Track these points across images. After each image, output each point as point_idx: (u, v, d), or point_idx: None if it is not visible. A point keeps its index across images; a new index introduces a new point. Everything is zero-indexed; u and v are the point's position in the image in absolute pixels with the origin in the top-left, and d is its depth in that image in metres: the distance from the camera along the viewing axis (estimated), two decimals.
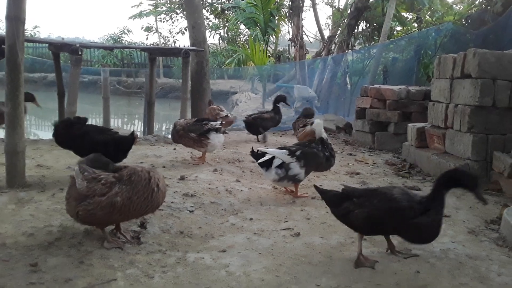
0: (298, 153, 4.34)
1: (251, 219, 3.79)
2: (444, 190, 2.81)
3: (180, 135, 5.49)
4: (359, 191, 3.12)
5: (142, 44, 23.78)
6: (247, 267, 2.86)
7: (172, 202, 4.01)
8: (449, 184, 2.82)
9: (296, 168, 4.28)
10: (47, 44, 8.22)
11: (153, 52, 8.53)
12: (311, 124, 4.84)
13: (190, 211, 3.87)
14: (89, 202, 2.85)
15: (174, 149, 6.42)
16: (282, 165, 4.26)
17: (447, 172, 2.91)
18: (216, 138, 5.44)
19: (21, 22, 4.06)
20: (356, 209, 2.94)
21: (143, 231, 3.33)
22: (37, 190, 4.09)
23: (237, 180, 4.96)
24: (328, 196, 3.23)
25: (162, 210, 3.78)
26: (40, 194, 3.98)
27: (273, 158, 4.30)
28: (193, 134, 5.37)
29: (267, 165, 4.32)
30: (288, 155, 4.30)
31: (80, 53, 6.22)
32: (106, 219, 2.93)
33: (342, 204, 3.05)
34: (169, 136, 6.41)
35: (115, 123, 14.13)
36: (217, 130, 5.46)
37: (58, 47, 7.03)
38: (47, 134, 6.47)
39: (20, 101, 4.12)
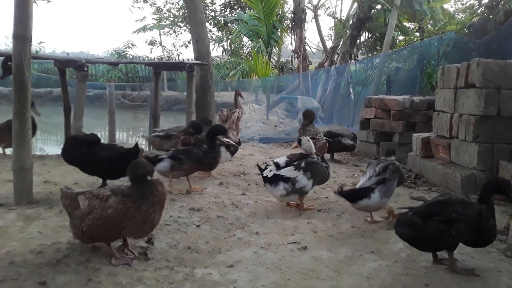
0: (302, 164, 4.35)
1: (257, 233, 3.78)
2: (491, 196, 3.09)
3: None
4: (432, 208, 3.04)
5: (146, 58, 23.93)
6: (255, 283, 2.86)
7: (178, 217, 4.02)
8: (493, 190, 3.12)
9: (303, 180, 4.29)
10: (52, 60, 8.30)
11: (158, 67, 8.55)
12: (299, 142, 4.74)
13: (197, 226, 3.88)
14: (89, 218, 2.94)
15: None
16: (289, 180, 4.27)
17: (491, 180, 3.26)
18: (224, 153, 5.63)
19: (27, 40, 4.13)
20: (449, 227, 2.92)
21: (151, 246, 3.33)
22: (45, 206, 4.11)
23: (243, 193, 4.96)
24: (408, 223, 3.05)
25: (169, 225, 3.79)
26: (47, 211, 3.99)
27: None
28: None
29: (271, 181, 4.34)
30: (294, 170, 4.32)
31: (85, 69, 6.26)
32: (106, 231, 2.96)
33: (424, 227, 2.97)
34: None
35: (120, 137, 14.18)
36: (227, 147, 5.73)
37: (64, 63, 7.08)
38: (54, 149, 6.48)
39: (28, 119, 4.16)
